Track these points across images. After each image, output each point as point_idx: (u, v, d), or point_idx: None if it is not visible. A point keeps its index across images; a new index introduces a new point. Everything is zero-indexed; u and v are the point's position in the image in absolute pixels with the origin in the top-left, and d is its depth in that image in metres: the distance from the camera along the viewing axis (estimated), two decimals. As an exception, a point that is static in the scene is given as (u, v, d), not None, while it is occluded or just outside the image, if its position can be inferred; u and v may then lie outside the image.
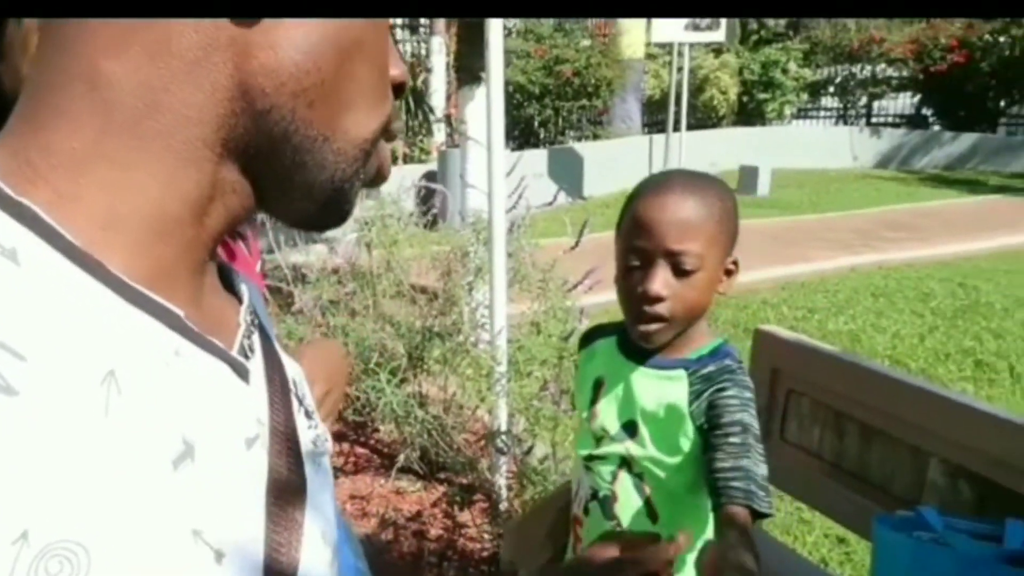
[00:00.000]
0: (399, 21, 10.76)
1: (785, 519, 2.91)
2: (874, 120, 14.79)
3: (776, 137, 13.31)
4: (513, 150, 9.80)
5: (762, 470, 1.09)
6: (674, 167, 8.19)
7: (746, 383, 1.17)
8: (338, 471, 3.07)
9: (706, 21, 9.34)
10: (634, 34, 12.35)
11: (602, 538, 0.92)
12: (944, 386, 3.89)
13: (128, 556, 0.34)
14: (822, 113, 15.35)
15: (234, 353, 0.46)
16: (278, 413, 0.50)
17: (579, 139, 12.57)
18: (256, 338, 0.51)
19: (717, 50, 13.59)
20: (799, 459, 1.82)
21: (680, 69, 10.01)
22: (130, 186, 0.39)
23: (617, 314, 1.26)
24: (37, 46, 0.40)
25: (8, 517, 0.30)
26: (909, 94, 14.47)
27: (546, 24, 13.47)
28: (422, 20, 10.92)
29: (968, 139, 12.98)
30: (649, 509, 1.22)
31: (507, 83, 9.18)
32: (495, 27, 2.47)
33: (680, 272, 1.13)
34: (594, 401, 1.28)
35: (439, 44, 10.17)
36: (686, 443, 1.17)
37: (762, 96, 13.96)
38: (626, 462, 1.23)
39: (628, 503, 1.23)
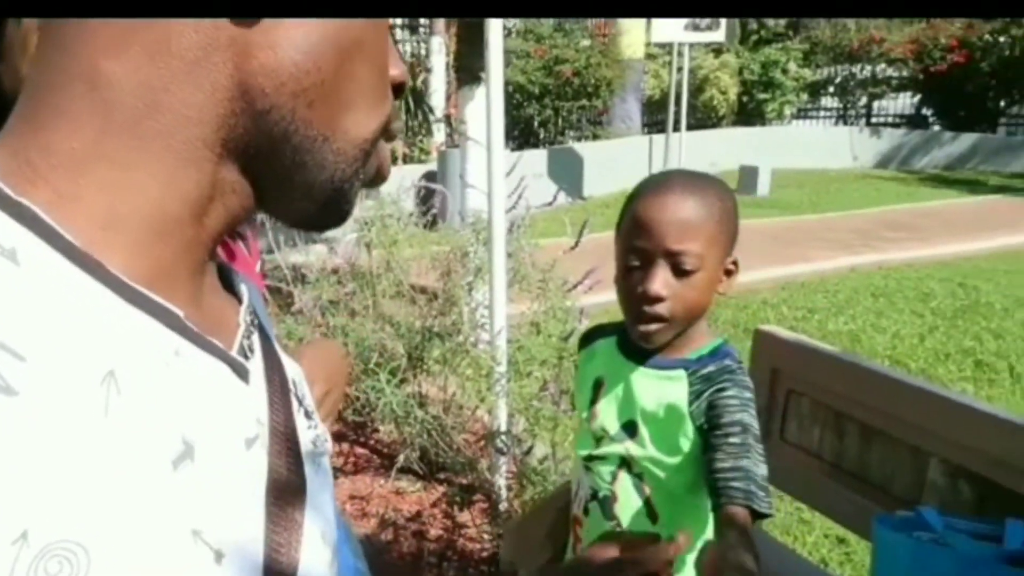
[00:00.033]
0: (399, 21, 10.76)
1: (785, 519, 2.91)
2: (874, 120, 14.79)
3: (776, 137, 13.31)
4: (513, 150, 9.81)
5: (762, 470, 1.09)
6: (674, 167, 8.19)
7: (746, 383, 1.17)
8: (338, 471, 3.07)
9: (706, 21, 9.34)
10: (634, 34, 12.35)
11: (602, 538, 0.92)
12: (944, 386, 3.89)
13: (128, 556, 0.34)
14: (822, 113, 15.35)
15: (234, 353, 0.46)
16: (278, 413, 0.50)
17: (579, 139, 12.58)
18: (256, 338, 0.51)
19: (717, 50, 13.59)
20: (799, 459, 1.82)
21: (680, 69, 10.01)
22: (130, 186, 0.39)
23: (617, 314, 1.26)
24: (37, 46, 0.40)
25: (8, 517, 0.30)
26: (909, 94, 14.47)
27: (546, 24, 13.47)
28: (422, 20, 10.92)
29: (968, 139, 12.98)
30: (649, 509, 1.22)
31: (507, 83, 9.18)
32: (495, 27, 2.47)
33: (680, 272, 1.13)
34: (594, 401, 1.28)
35: (439, 44, 10.17)
36: (686, 443, 1.17)
37: (762, 96, 13.97)
38: (626, 462, 1.23)
39: (628, 503, 1.23)
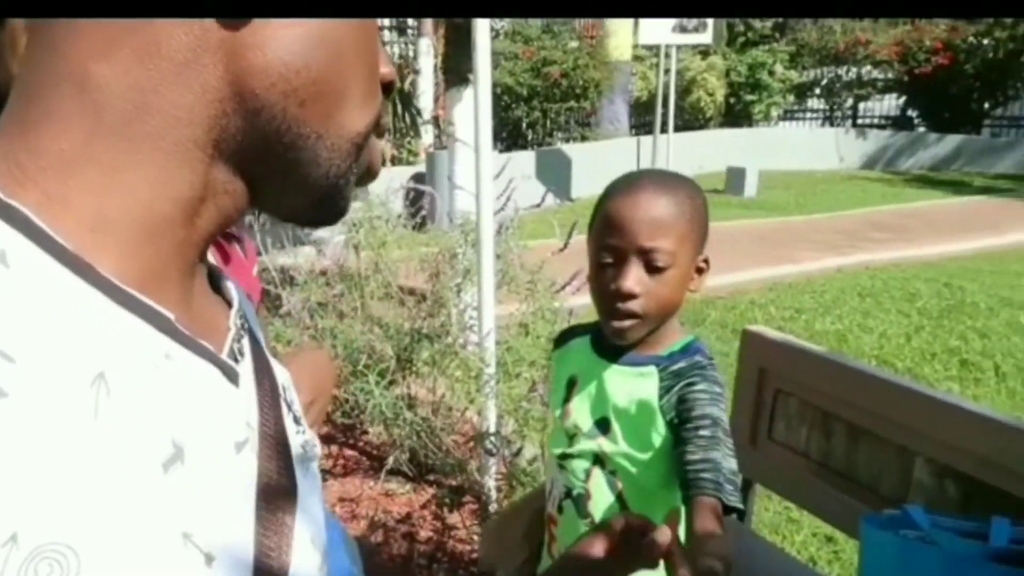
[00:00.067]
0: (387, 23, 10.74)
1: (773, 518, 2.92)
2: (860, 122, 14.87)
3: (763, 139, 13.37)
4: (501, 152, 9.81)
5: (731, 464, 1.10)
6: (661, 168, 8.20)
7: (716, 378, 1.18)
8: (327, 473, 3.07)
9: (693, 23, 9.36)
10: (621, 36, 12.37)
11: (594, 531, 0.88)
12: (930, 386, 3.92)
13: (118, 559, 0.34)
14: (808, 115, 15.42)
15: (224, 357, 0.46)
16: (267, 417, 0.50)
17: (567, 141, 12.59)
18: (246, 342, 0.51)
19: (704, 52, 13.63)
20: (787, 459, 1.83)
21: (667, 71, 10.03)
22: (120, 188, 0.39)
23: (603, 315, 1.26)
24: (26, 47, 0.40)
25: (-3, 520, 0.30)
26: (894, 96, 14.57)
27: (534, 26, 13.48)
28: (410, 22, 10.90)
29: (953, 141, 13.07)
30: (622, 505, 1.22)
31: (495, 85, 9.17)
32: (482, 29, 2.47)
33: (652, 269, 1.15)
34: (567, 400, 1.29)
35: (427, 46, 10.15)
36: (657, 438, 1.18)
37: (749, 98, 14.02)
38: (599, 459, 1.24)
39: (601, 500, 1.24)
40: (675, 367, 1.19)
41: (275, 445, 0.49)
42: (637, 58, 13.33)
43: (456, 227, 3.18)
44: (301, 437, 0.54)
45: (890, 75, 14.18)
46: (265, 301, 3.36)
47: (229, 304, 0.52)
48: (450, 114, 5.13)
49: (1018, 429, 1.37)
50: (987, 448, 1.39)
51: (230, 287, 0.53)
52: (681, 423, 1.15)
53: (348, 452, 3.30)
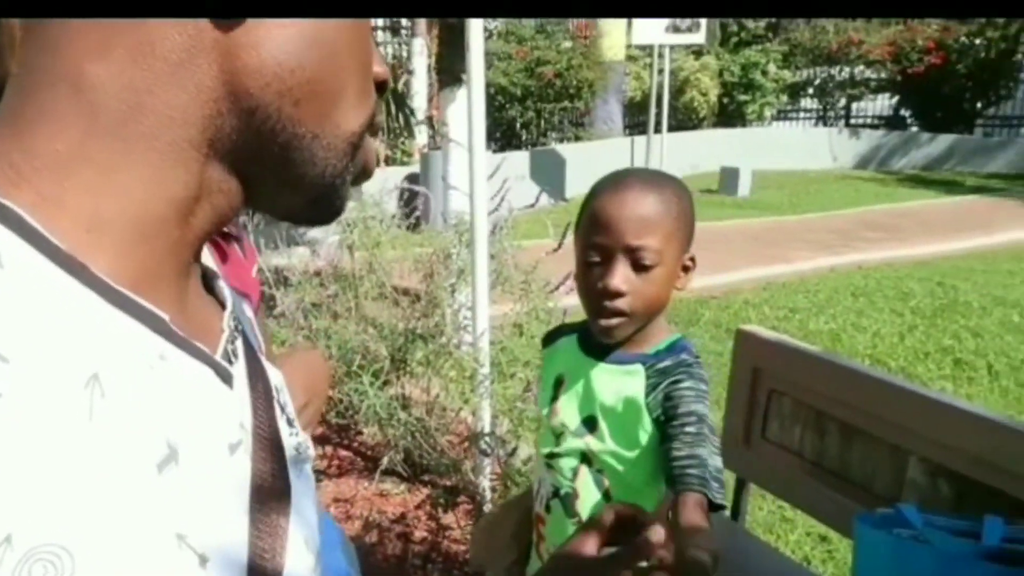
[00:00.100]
0: (380, 23, 10.74)
1: (767, 518, 2.92)
2: (853, 121, 14.90)
3: (756, 138, 13.39)
4: (495, 152, 9.80)
5: (716, 462, 1.10)
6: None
7: (702, 376, 1.19)
8: (322, 474, 3.06)
9: (686, 23, 9.37)
10: (615, 36, 12.38)
11: (584, 527, 0.87)
12: (923, 385, 3.93)
13: (112, 560, 0.34)
14: (802, 115, 15.45)
15: (218, 358, 0.46)
16: (261, 419, 0.50)
17: (561, 141, 12.59)
18: (239, 343, 0.51)
19: (697, 52, 13.65)
20: (781, 458, 1.84)
21: (661, 71, 10.04)
22: (115, 188, 0.39)
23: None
24: (21, 47, 0.40)
25: (-8, 521, 0.30)
26: (887, 96, 14.59)
27: (527, 26, 13.48)
28: (403, 22, 10.89)
29: (945, 140, 13.11)
30: (608, 502, 1.23)
31: (489, 85, 9.16)
32: (476, 29, 2.47)
33: (639, 267, 1.15)
34: (555, 398, 1.29)
35: (420, 46, 10.14)
36: (644, 436, 1.18)
37: (742, 98, 14.05)
38: (586, 457, 1.24)
39: (588, 499, 1.24)
40: (661, 365, 1.19)
41: (269, 447, 0.49)
42: (631, 58, 13.34)
43: (450, 227, 3.19)
44: (295, 439, 0.54)
45: (883, 75, 14.21)
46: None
47: (223, 305, 0.52)
48: (444, 114, 5.13)
49: (1011, 428, 1.37)
50: (980, 447, 1.39)
51: (223, 288, 0.53)
52: (667, 420, 1.15)
53: (342, 453, 3.30)
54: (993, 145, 12.96)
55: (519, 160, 9.47)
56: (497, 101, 12.10)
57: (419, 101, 10.06)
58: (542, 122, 12.64)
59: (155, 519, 0.37)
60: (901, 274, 6.52)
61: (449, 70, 4.96)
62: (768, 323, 5.13)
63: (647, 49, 10.94)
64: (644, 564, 0.76)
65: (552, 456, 1.28)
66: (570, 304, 3.03)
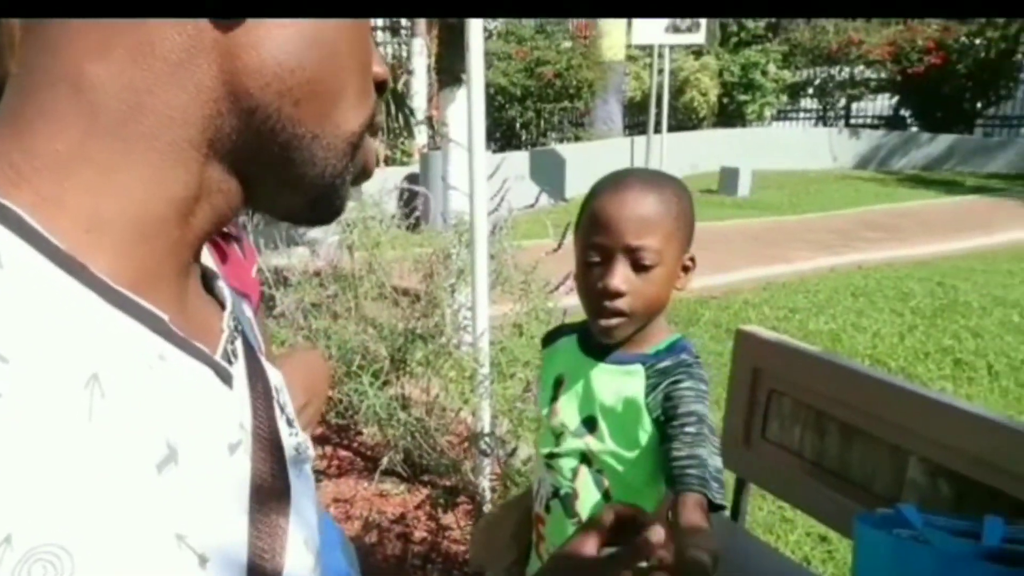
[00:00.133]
0: (380, 23, 10.74)
1: (767, 518, 2.92)
2: (853, 121, 14.91)
3: (756, 138, 13.40)
4: (495, 152, 9.80)
5: (716, 462, 1.10)
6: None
7: (702, 376, 1.19)
8: (321, 474, 3.06)
9: (686, 23, 9.37)
10: (615, 36, 12.38)
11: (585, 527, 0.87)
12: (923, 385, 3.93)
13: (112, 560, 0.34)
14: (802, 115, 15.45)
15: (218, 358, 0.46)
16: (261, 419, 0.50)
17: (561, 141, 12.59)
18: (239, 343, 0.51)
19: (697, 52, 13.66)
20: (781, 458, 1.84)
21: (660, 71, 10.04)
22: (115, 188, 0.39)
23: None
24: (20, 47, 0.40)
25: (-9, 521, 0.30)
26: (887, 95, 14.60)
27: (527, 26, 13.49)
28: (403, 22, 10.89)
29: (945, 140, 13.11)
30: (608, 503, 1.22)
31: (489, 85, 9.16)
32: (475, 29, 2.47)
33: (639, 267, 1.15)
34: (554, 398, 1.29)
35: (420, 46, 10.14)
36: (644, 436, 1.18)
37: (742, 98, 14.05)
38: (586, 457, 1.24)
39: (588, 499, 1.24)
40: (661, 365, 1.19)
41: (268, 447, 0.49)
42: (630, 58, 13.34)
43: (450, 227, 3.19)
44: (294, 439, 0.54)
45: (883, 75, 14.22)
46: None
47: (222, 305, 0.52)
48: (444, 114, 5.13)
49: (1011, 428, 1.37)
50: (980, 447, 1.39)
51: (223, 288, 0.53)
52: (667, 420, 1.15)
53: (342, 453, 3.30)
54: (993, 145, 12.96)
55: (519, 160, 9.47)
56: (497, 101, 12.10)
57: (419, 101, 10.06)
58: (542, 122, 12.64)
59: (155, 519, 0.37)
60: (901, 274, 6.52)
61: (449, 70, 4.96)
62: (768, 323, 5.13)
63: (647, 49, 10.95)
64: (644, 564, 0.76)
65: (552, 456, 1.28)
66: (570, 304, 3.03)
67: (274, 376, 0.56)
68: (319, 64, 0.43)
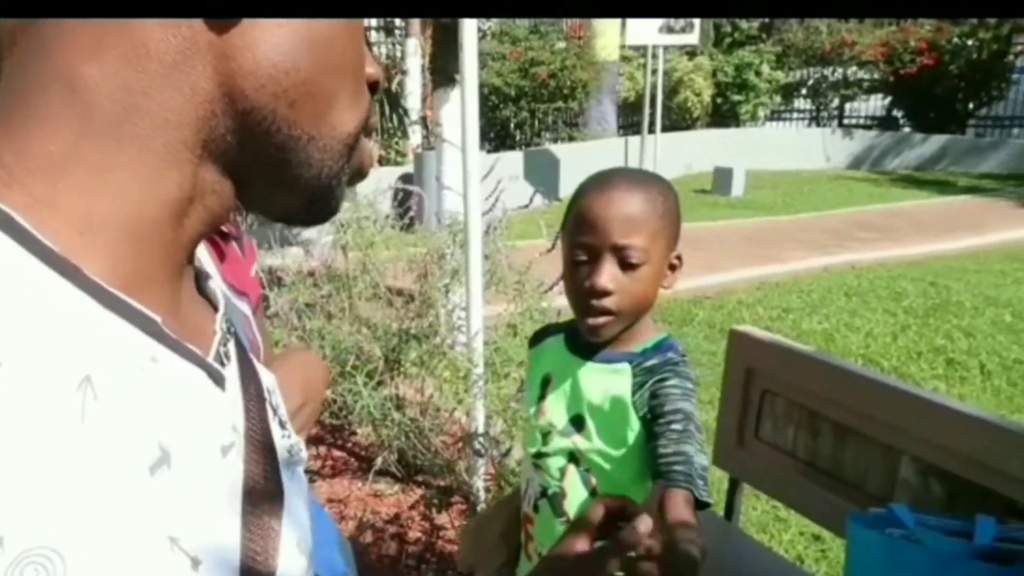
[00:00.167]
0: (374, 23, 10.72)
1: (761, 517, 2.93)
2: (846, 122, 14.94)
3: (750, 139, 13.42)
4: (489, 152, 9.80)
5: (702, 459, 1.10)
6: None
7: (688, 374, 1.19)
8: (315, 475, 3.06)
9: (680, 23, 9.39)
10: (608, 36, 12.39)
11: (572, 529, 0.87)
12: (916, 385, 3.94)
13: (104, 563, 0.34)
14: (795, 115, 15.49)
15: (210, 360, 0.46)
16: (253, 421, 0.50)
17: (555, 141, 12.59)
18: (231, 345, 0.51)
19: (691, 52, 13.68)
20: (774, 458, 1.84)
21: (654, 71, 10.06)
22: (108, 190, 0.39)
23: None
24: (13, 47, 0.40)
25: (-16, 524, 0.30)
26: (880, 96, 14.64)
27: (521, 26, 13.48)
28: (397, 22, 10.88)
29: (938, 141, 13.15)
30: None
31: (483, 85, 9.15)
32: (469, 29, 2.47)
33: (626, 266, 1.16)
34: (542, 398, 1.30)
35: (414, 46, 10.14)
36: (631, 435, 1.19)
37: (736, 98, 14.07)
38: (574, 456, 1.24)
39: (576, 498, 1.24)
40: (648, 363, 1.20)
41: (261, 449, 0.49)
42: (624, 59, 13.36)
43: (444, 227, 3.18)
44: (287, 441, 0.54)
45: (876, 75, 14.25)
46: (256, 302, 3.33)
47: (215, 307, 0.52)
48: (438, 115, 5.12)
49: (1003, 428, 1.38)
50: (972, 447, 1.40)
51: (215, 290, 0.53)
52: (654, 418, 1.15)
53: (336, 453, 3.30)
54: (985, 145, 13.00)
55: (513, 160, 9.47)
56: (491, 101, 12.10)
57: (413, 101, 10.05)
58: (536, 122, 12.64)
59: (147, 522, 0.36)
60: (894, 274, 6.54)
61: (443, 70, 4.95)
62: (762, 323, 5.14)
63: (641, 50, 10.97)
64: (632, 554, 0.76)
65: (540, 456, 1.28)
66: (563, 304, 3.02)
67: (267, 378, 0.56)
68: (315, 65, 0.43)
